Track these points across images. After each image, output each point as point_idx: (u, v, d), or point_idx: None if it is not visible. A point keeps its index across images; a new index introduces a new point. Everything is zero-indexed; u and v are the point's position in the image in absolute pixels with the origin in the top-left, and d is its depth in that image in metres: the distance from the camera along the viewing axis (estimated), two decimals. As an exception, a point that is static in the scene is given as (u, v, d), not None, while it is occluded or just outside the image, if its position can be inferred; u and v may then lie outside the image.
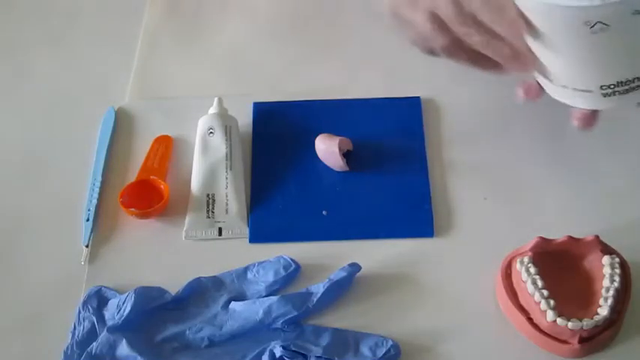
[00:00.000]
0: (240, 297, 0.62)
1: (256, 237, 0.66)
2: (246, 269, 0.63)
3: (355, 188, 0.68)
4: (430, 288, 0.62)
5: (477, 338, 0.59)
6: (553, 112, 0.62)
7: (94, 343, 0.59)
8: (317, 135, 0.69)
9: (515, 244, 0.61)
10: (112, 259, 0.65)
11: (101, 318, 0.61)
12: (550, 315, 0.56)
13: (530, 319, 0.58)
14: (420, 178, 0.68)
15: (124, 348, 0.58)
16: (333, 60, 0.77)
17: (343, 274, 0.61)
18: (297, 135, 0.71)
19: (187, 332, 0.60)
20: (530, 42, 0.55)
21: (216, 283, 0.63)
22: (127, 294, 0.61)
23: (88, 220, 0.67)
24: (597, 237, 0.60)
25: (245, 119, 0.73)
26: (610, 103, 0.55)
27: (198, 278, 0.63)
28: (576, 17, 0.50)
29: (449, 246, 0.64)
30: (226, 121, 0.71)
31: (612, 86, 0.54)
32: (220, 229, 0.66)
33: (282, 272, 0.62)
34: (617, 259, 0.58)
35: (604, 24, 0.49)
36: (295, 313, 0.60)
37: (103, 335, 0.59)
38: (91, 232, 0.66)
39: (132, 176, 0.69)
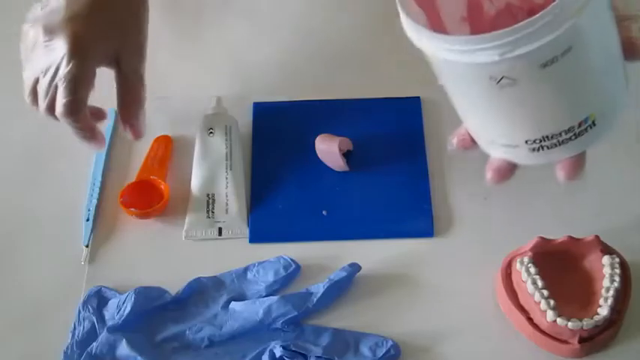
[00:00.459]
0: (240, 297, 0.62)
1: (256, 237, 0.66)
2: (246, 269, 0.63)
3: (355, 188, 0.68)
4: (430, 288, 0.62)
5: (476, 338, 0.59)
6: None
7: (94, 343, 0.59)
8: (317, 135, 0.69)
9: (515, 244, 0.61)
10: (112, 259, 0.65)
11: (101, 318, 0.61)
12: (550, 315, 0.56)
13: (530, 319, 0.58)
14: (419, 178, 0.68)
15: (124, 348, 0.58)
16: (333, 60, 0.77)
17: (343, 274, 0.61)
18: (297, 135, 0.71)
19: (187, 332, 0.60)
20: (451, 97, 0.54)
21: (216, 283, 0.63)
22: (127, 294, 0.61)
23: (88, 220, 0.67)
24: (597, 237, 0.60)
25: (245, 119, 0.73)
26: (539, 158, 0.53)
27: (198, 278, 0.63)
28: (480, 73, 0.48)
29: (449, 246, 0.64)
30: (226, 121, 0.71)
31: (538, 140, 0.52)
32: (220, 229, 0.66)
33: (282, 272, 0.62)
34: (617, 259, 0.58)
35: (510, 78, 0.48)
36: (295, 313, 0.60)
37: (103, 335, 0.59)
38: (91, 232, 0.66)
39: (132, 176, 0.69)
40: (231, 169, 0.68)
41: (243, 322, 0.60)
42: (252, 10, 0.82)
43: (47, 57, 0.59)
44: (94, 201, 0.68)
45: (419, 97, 0.73)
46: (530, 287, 0.57)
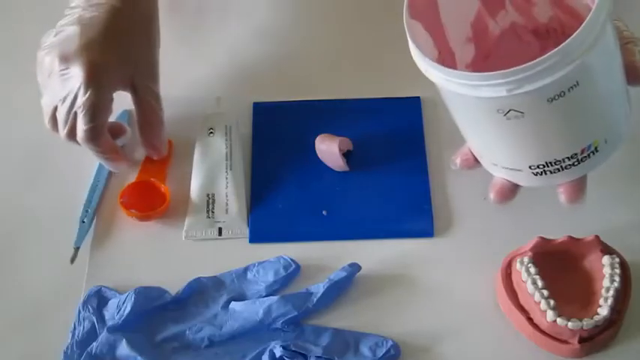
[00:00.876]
0: (240, 297, 0.62)
1: (256, 237, 0.66)
2: (246, 269, 0.63)
3: (355, 188, 0.68)
4: (430, 288, 0.62)
5: (477, 338, 0.59)
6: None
7: (94, 343, 0.59)
8: (317, 135, 0.69)
9: (515, 244, 0.61)
10: (112, 259, 0.65)
11: (101, 318, 0.61)
12: (550, 315, 0.56)
13: (530, 319, 0.58)
14: (420, 178, 0.68)
15: (124, 348, 0.58)
16: (334, 60, 0.77)
17: (343, 274, 0.61)
18: (297, 135, 0.71)
19: (187, 332, 0.60)
20: (454, 118, 0.55)
21: (216, 283, 0.63)
22: (127, 294, 0.61)
23: (83, 221, 0.66)
24: (597, 237, 0.60)
25: (245, 119, 0.73)
26: (541, 181, 0.55)
27: (198, 278, 0.63)
28: (487, 106, 0.49)
29: (449, 246, 0.64)
30: (226, 121, 0.71)
31: (541, 166, 0.53)
32: (220, 229, 0.66)
33: (282, 272, 0.62)
34: (617, 259, 0.58)
35: (518, 111, 0.48)
36: (295, 313, 0.60)
37: (103, 335, 0.59)
38: (85, 234, 0.66)
39: (132, 177, 0.69)
40: (231, 169, 0.68)
41: (243, 322, 0.60)
42: (252, 10, 0.82)
43: (64, 85, 0.60)
44: (94, 203, 0.67)
45: (419, 97, 0.73)
46: (530, 287, 0.57)
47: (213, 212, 0.66)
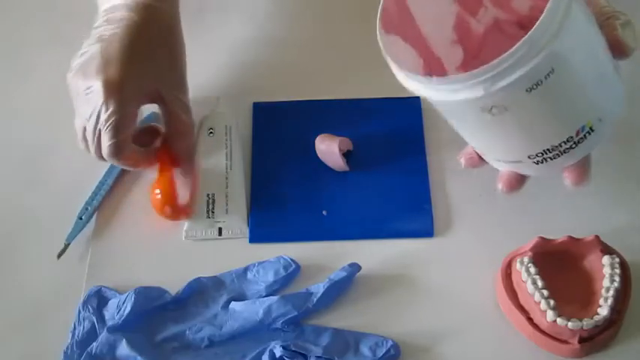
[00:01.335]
0: (240, 297, 0.62)
1: (256, 237, 0.66)
2: (246, 269, 0.63)
3: (355, 188, 0.68)
4: (430, 288, 0.62)
5: (477, 338, 0.59)
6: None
7: (94, 343, 0.59)
8: (317, 135, 0.69)
9: (515, 244, 0.61)
10: (112, 259, 0.65)
11: (101, 318, 0.61)
12: (550, 315, 0.56)
13: (530, 319, 0.58)
14: (420, 178, 0.68)
15: (124, 348, 0.58)
16: (334, 60, 0.77)
17: (343, 274, 0.61)
18: (297, 135, 0.71)
19: (187, 332, 0.60)
20: (449, 123, 0.55)
21: (216, 283, 0.63)
22: (127, 294, 0.61)
23: (81, 218, 0.66)
24: (597, 237, 0.60)
25: (245, 119, 0.73)
26: (545, 169, 0.55)
27: (198, 278, 0.63)
28: (470, 106, 0.49)
29: (449, 246, 0.64)
30: (226, 121, 0.71)
31: (540, 154, 0.53)
32: (220, 229, 0.66)
33: (282, 272, 0.62)
34: (617, 259, 0.58)
35: (500, 106, 0.49)
36: (295, 313, 0.60)
37: (103, 335, 0.59)
38: (79, 230, 0.66)
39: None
40: (231, 169, 0.68)
41: (243, 322, 0.60)
42: (252, 10, 0.82)
43: (89, 104, 0.60)
44: (96, 201, 0.67)
45: (419, 97, 0.73)
46: (530, 287, 0.57)
47: (213, 212, 0.66)
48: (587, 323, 0.55)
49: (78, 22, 0.83)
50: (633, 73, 0.71)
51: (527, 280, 0.57)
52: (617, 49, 0.53)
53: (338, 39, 0.79)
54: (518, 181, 0.58)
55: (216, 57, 0.78)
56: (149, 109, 0.67)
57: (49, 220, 0.68)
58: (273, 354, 0.57)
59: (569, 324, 0.55)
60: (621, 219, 0.64)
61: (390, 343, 0.58)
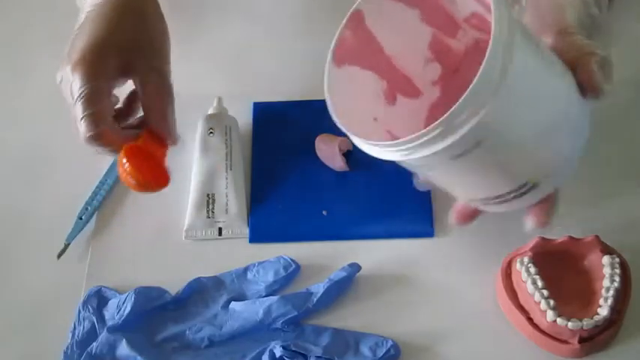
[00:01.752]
0: (240, 297, 0.62)
1: (256, 237, 0.66)
2: (246, 269, 0.63)
3: (355, 188, 0.68)
4: (430, 288, 0.62)
5: (476, 338, 0.59)
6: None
7: (94, 343, 0.59)
8: (317, 135, 0.69)
9: (515, 244, 0.61)
10: (112, 259, 0.65)
11: (101, 318, 0.61)
12: (550, 315, 0.56)
13: (530, 319, 0.58)
14: (420, 178, 0.68)
15: (124, 348, 0.58)
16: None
17: (343, 274, 0.61)
18: (297, 135, 0.71)
19: (187, 332, 0.60)
20: None
21: (216, 283, 0.63)
22: (127, 294, 0.61)
23: (81, 218, 0.66)
24: (597, 237, 0.60)
25: (245, 119, 0.73)
26: (508, 207, 0.54)
27: (198, 278, 0.63)
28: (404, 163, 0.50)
29: (449, 246, 0.64)
30: (226, 121, 0.71)
31: (492, 198, 0.53)
32: (220, 229, 0.66)
33: (282, 272, 0.62)
34: (617, 259, 0.58)
35: (427, 166, 0.49)
36: (295, 313, 0.60)
37: (103, 335, 0.59)
38: (79, 231, 0.66)
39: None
40: (231, 169, 0.68)
41: (243, 322, 0.60)
42: (253, 10, 0.82)
43: (67, 93, 0.58)
44: (96, 202, 0.67)
45: (419, 97, 0.73)
46: (530, 287, 0.57)
47: (213, 212, 0.67)
48: (587, 323, 0.55)
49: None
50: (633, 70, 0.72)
51: (527, 280, 0.57)
52: (590, 90, 0.51)
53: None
54: (471, 216, 0.58)
55: (216, 57, 0.78)
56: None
57: (49, 220, 0.68)
58: (273, 354, 0.57)
59: (569, 324, 0.55)
60: (621, 219, 0.64)
61: (390, 343, 0.58)
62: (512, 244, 0.61)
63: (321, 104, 0.73)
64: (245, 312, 0.60)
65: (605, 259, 0.58)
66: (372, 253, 0.64)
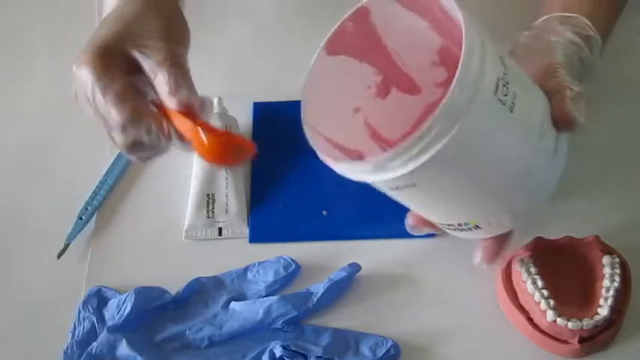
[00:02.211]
0: (240, 297, 0.62)
1: (256, 237, 0.66)
2: (246, 269, 0.63)
3: (355, 188, 0.67)
4: (430, 288, 0.62)
5: (477, 338, 0.59)
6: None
7: (94, 343, 0.59)
8: (317, 135, 0.69)
9: (516, 244, 0.61)
10: (112, 259, 0.65)
11: (101, 318, 0.61)
12: (550, 315, 0.56)
13: (530, 319, 0.58)
14: (420, 178, 0.68)
15: (123, 348, 0.58)
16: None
17: (343, 274, 0.61)
18: (297, 135, 0.71)
19: (187, 332, 0.60)
20: None
21: (216, 283, 0.63)
22: (127, 294, 0.61)
23: (81, 218, 0.66)
24: (597, 237, 0.60)
25: (245, 119, 0.73)
26: (464, 235, 0.55)
27: (198, 278, 0.63)
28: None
29: (449, 246, 0.64)
30: (226, 121, 0.71)
31: (445, 225, 0.54)
32: (220, 229, 0.66)
33: (282, 272, 0.62)
34: (617, 259, 0.58)
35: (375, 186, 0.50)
36: (295, 313, 0.60)
37: (103, 335, 0.59)
38: (79, 231, 0.66)
39: (133, 176, 0.69)
40: (231, 169, 0.68)
41: (243, 322, 0.60)
42: (253, 10, 0.82)
43: (84, 97, 0.53)
44: (96, 201, 0.67)
45: (419, 97, 0.73)
46: (530, 287, 0.57)
47: (213, 212, 0.67)
48: (587, 323, 0.55)
49: (78, 22, 0.84)
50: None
51: (527, 280, 0.57)
52: (564, 124, 0.52)
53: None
54: (497, 252, 0.57)
55: (217, 57, 0.78)
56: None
57: (49, 220, 0.68)
58: (273, 354, 0.57)
59: (569, 324, 0.55)
60: (621, 219, 0.64)
61: (390, 343, 0.58)
62: (512, 244, 0.61)
63: (321, 104, 0.74)
64: (245, 312, 0.60)
65: (605, 259, 0.58)
66: (372, 253, 0.64)
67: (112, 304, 0.61)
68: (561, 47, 0.58)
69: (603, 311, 0.56)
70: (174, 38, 0.57)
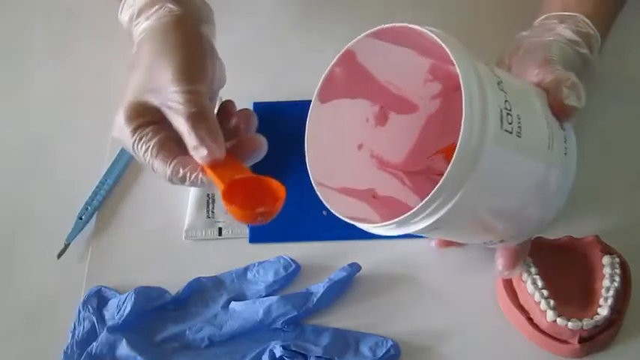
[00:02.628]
0: (240, 297, 0.62)
1: (256, 237, 0.66)
2: (246, 269, 0.63)
3: (355, 188, 0.68)
4: (430, 288, 0.62)
5: (477, 338, 0.59)
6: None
7: (94, 343, 0.59)
8: (317, 135, 0.69)
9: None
10: (112, 259, 0.65)
11: (101, 318, 0.61)
12: (550, 315, 0.56)
13: (530, 319, 0.58)
14: (420, 178, 0.68)
15: (123, 348, 0.58)
16: (333, 60, 0.77)
17: (343, 274, 0.61)
18: (297, 135, 0.71)
19: (187, 332, 0.60)
20: None
21: (216, 283, 0.63)
22: (127, 294, 0.61)
23: (81, 218, 0.66)
24: (597, 237, 0.60)
25: (245, 119, 0.72)
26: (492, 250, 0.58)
27: (198, 278, 0.63)
28: None
29: (449, 246, 0.64)
30: (226, 121, 0.71)
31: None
32: (220, 229, 0.66)
33: (282, 272, 0.62)
34: (617, 259, 0.58)
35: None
36: (295, 313, 0.60)
37: (103, 335, 0.59)
38: (79, 231, 0.66)
39: (133, 176, 0.69)
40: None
41: (243, 322, 0.60)
42: (253, 10, 0.82)
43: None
44: (96, 202, 0.67)
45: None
46: (530, 287, 0.57)
47: (213, 212, 0.66)
48: (587, 323, 0.55)
49: (78, 22, 0.84)
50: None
51: (527, 280, 0.57)
52: (564, 115, 0.53)
53: (338, 39, 0.79)
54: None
55: (216, 57, 0.78)
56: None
57: (49, 220, 0.68)
58: (273, 354, 0.57)
59: (569, 324, 0.55)
60: (621, 219, 0.64)
61: (390, 343, 0.58)
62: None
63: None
64: (245, 312, 0.60)
65: (605, 259, 0.58)
66: (372, 253, 0.64)
67: (112, 304, 0.61)
68: (557, 44, 0.59)
69: (603, 311, 0.56)
70: (193, 77, 0.56)
